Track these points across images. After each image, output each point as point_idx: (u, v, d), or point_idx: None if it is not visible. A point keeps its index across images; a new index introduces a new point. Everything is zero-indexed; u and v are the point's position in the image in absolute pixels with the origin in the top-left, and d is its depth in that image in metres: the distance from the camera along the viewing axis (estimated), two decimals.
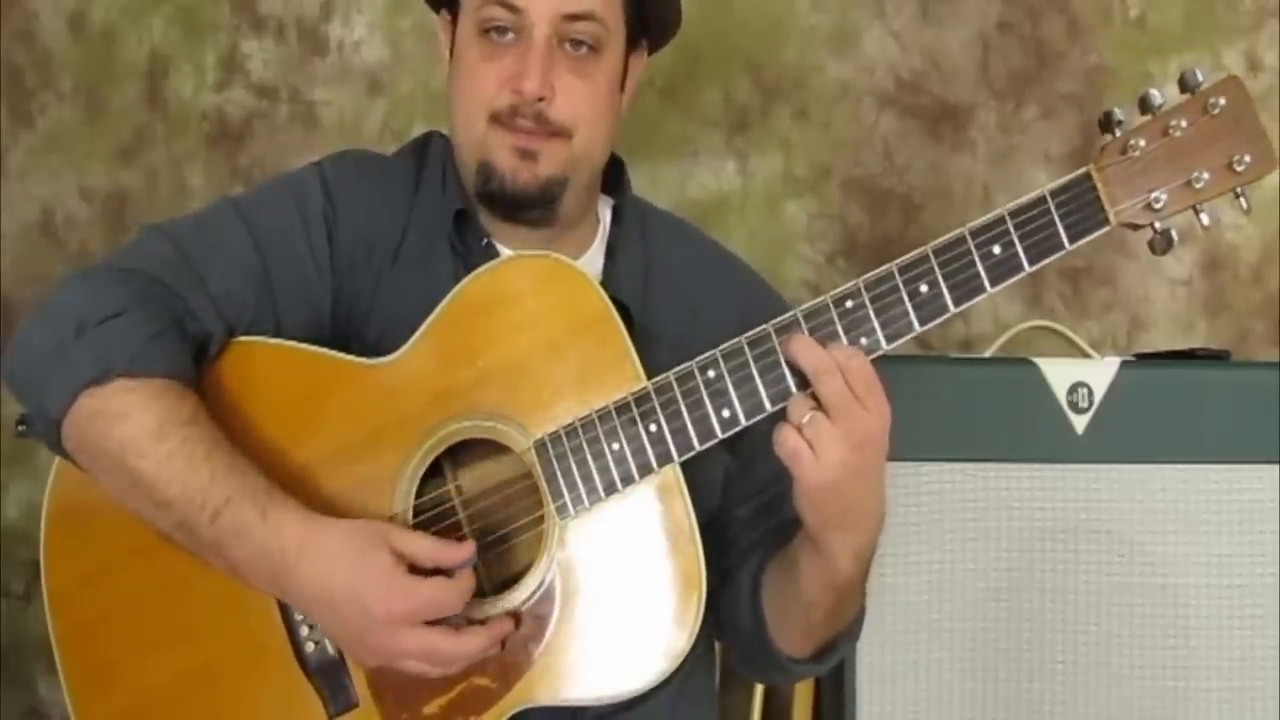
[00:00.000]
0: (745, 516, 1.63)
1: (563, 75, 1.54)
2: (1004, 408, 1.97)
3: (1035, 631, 1.97)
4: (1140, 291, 2.55)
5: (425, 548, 1.43)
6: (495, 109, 1.55)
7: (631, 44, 1.61)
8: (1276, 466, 1.95)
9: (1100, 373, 1.97)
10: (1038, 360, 1.99)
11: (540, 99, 1.53)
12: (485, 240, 1.61)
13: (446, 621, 1.43)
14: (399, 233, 1.61)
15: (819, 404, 1.39)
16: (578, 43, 1.55)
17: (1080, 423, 1.97)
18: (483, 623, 1.45)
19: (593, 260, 1.65)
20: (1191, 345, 2.40)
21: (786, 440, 1.39)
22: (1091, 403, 1.96)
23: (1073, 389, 1.97)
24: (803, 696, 2.19)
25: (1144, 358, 2.12)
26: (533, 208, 1.58)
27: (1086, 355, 2.15)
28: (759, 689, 2.31)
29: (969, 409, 1.97)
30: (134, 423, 1.43)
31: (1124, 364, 1.98)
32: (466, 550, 1.43)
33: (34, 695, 2.68)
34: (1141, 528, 1.96)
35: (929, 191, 2.56)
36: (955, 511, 1.97)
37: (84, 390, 1.44)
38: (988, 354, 2.22)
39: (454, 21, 1.61)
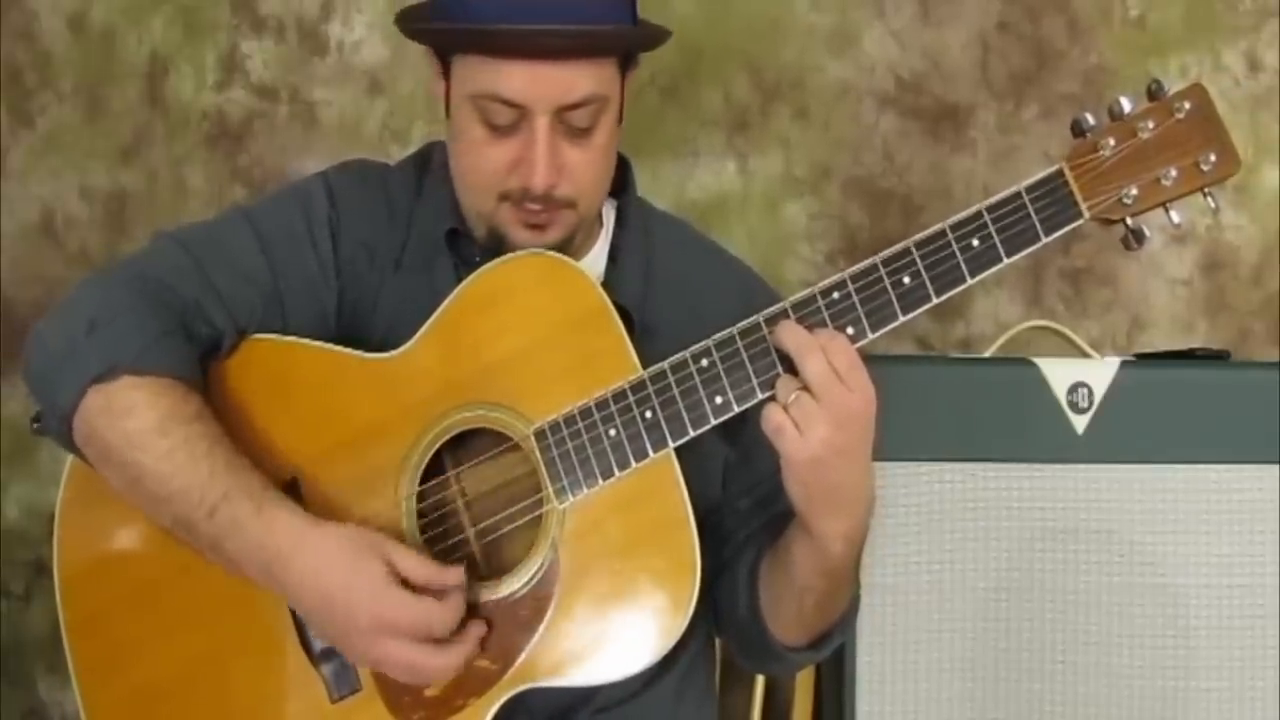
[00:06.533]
0: (744, 509, 1.65)
1: (566, 154, 1.54)
2: (1004, 408, 1.97)
3: (1035, 631, 1.97)
4: (1140, 291, 2.55)
5: (418, 565, 1.46)
6: (504, 190, 1.56)
7: (624, 75, 1.60)
8: (1276, 466, 1.95)
9: (1100, 373, 1.97)
10: (1038, 360, 1.99)
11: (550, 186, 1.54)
12: (478, 258, 1.61)
13: None
14: (400, 240, 1.64)
15: (805, 385, 1.43)
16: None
17: (1080, 423, 1.97)
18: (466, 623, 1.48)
19: (595, 262, 1.66)
20: (1191, 345, 2.40)
21: (772, 417, 1.44)
22: (1091, 403, 1.96)
23: (1073, 389, 1.97)
24: (802, 696, 2.20)
25: (1144, 358, 2.12)
26: None
27: (1086, 355, 2.15)
28: (759, 689, 2.31)
29: (969, 409, 1.97)
30: (138, 418, 1.48)
31: (1124, 364, 1.98)
32: (456, 575, 1.47)
33: (34, 695, 2.69)
34: (1141, 528, 1.96)
35: (929, 191, 2.57)
36: (955, 511, 1.97)
37: (92, 385, 1.49)
38: (988, 354, 2.22)
39: (445, 75, 1.59)
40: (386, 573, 1.44)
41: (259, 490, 1.47)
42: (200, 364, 1.55)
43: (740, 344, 1.47)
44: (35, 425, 1.59)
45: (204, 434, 1.48)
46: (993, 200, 1.47)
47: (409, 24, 1.61)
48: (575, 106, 1.52)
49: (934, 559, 1.97)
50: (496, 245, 1.58)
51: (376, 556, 1.44)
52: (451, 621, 1.45)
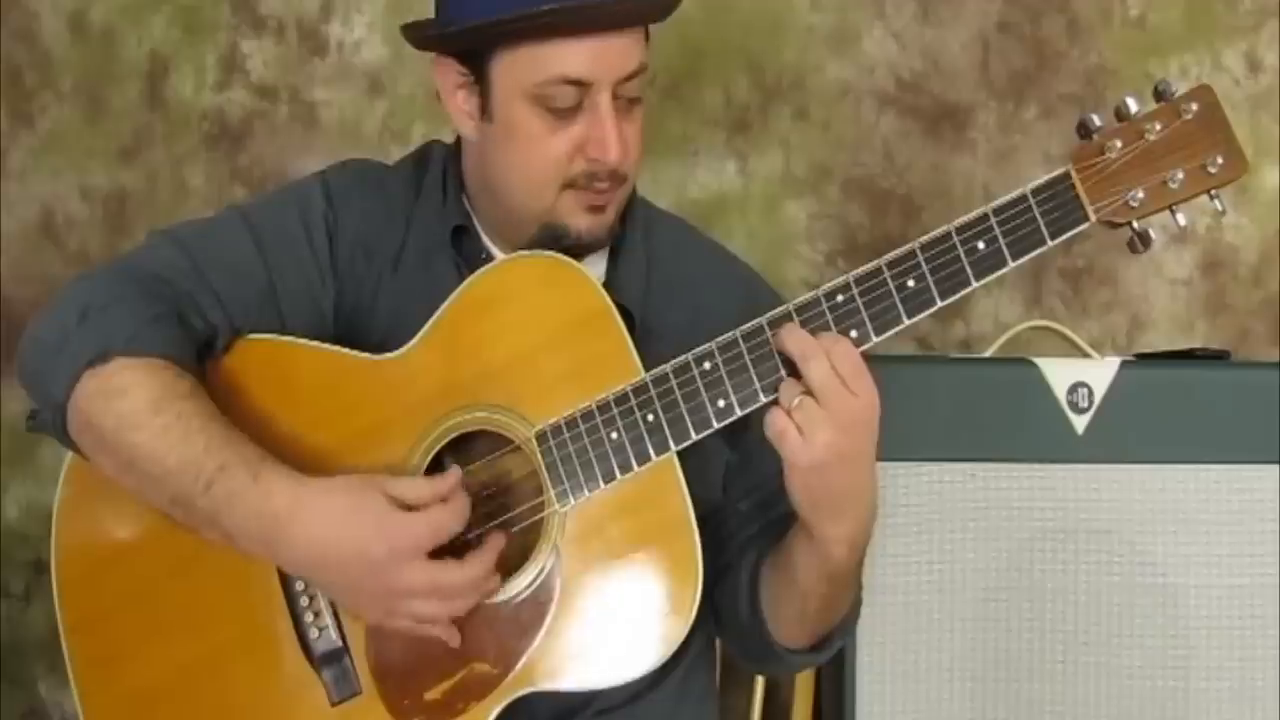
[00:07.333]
0: (745, 510, 1.65)
1: (624, 128, 1.55)
2: (1004, 408, 1.97)
3: (1035, 631, 1.97)
4: (1140, 291, 2.55)
5: (414, 485, 1.46)
6: (570, 176, 1.55)
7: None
8: (1276, 466, 1.95)
9: (1100, 373, 1.98)
10: (1038, 360, 1.99)
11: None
12: (484, 254, 1.63)
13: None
14: (399, 240, 1.64)
15: (808, 390, 1.42)
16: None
17: (1080, 423, 1.97)
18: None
19: (596, 263, 1.65)
20: (1191, 345, 2.41)
21: (775, 422, 1.43)
22: (1091, 403, 1.97)
23: (1073, 389, 1.97)
24: (803, 696, 2.20)
25: (1144, 358, 2.13)
26: (597, 250, 1.61)
27: (1086, 355, 2.15)
28: (759, 689, 2.31)
29: (969, 409, 1.97)
30: (132, 398, 1.47)
31: (1124, 364, 1.99)
32: (453, 475, 1.46)
33: (34, 695, 2.69)
34: (1141, 528, 1.96)
35: (929, 191, 2.57)
36: (955, 511, 1.97)
37: (85, 371, 1.48)
38: (988, 354, 2.22)
39: (477, 81, 1.57)
40: (387, 503, 1.43)
41: (255, 460, 1.46)
42: (197, 361, 1.54)
43: (743, 347, 1.46)
44: (30, 422, 1.59)
45: (198, 410, 1.48)
46: (998, 203, 1.45)
47: (428, 33, 1.59)
48: (631, 76, 1.53)
49: (934, 559, 1.97)
50: (553, 241, 1.56)
51: (373, 490, 1.44)
52: (461, 517, 1.45)
